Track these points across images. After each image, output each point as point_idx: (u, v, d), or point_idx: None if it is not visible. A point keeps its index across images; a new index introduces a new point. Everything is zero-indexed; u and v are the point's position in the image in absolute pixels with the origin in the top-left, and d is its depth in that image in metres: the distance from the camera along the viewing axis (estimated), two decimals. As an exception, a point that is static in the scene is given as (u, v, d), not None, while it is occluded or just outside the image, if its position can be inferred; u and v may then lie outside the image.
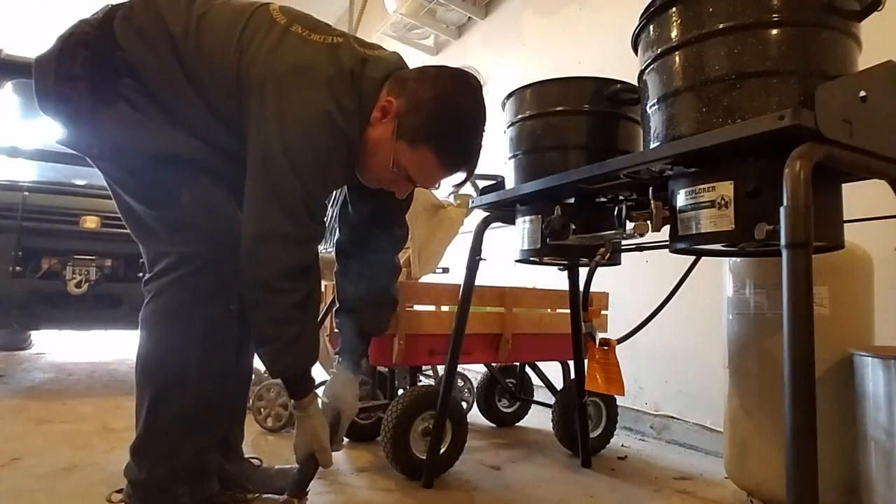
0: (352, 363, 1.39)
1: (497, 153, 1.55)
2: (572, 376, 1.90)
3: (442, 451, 1.61)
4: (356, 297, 1.40)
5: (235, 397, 1.33)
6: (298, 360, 1.16)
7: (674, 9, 1.04)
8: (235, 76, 1.08)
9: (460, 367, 1.89)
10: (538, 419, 2.43)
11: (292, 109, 1.06)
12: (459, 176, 1.22)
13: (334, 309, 1.44)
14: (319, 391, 1.33)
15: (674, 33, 1.04)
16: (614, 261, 1.47)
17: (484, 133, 1.20)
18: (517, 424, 2.41)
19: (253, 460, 1.40)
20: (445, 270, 2.44)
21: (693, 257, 1.43)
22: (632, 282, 2.27)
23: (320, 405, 1.28)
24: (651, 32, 1.10)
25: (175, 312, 1.08)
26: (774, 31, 0.94)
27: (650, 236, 1.19)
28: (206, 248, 1.07)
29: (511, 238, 1.51)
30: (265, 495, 1.33)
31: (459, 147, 1.18)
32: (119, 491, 1.14)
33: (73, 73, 1.04)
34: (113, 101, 1.06)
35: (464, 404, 2.39)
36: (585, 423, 1.84)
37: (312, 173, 1.09)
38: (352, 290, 1.41)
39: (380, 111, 1.14)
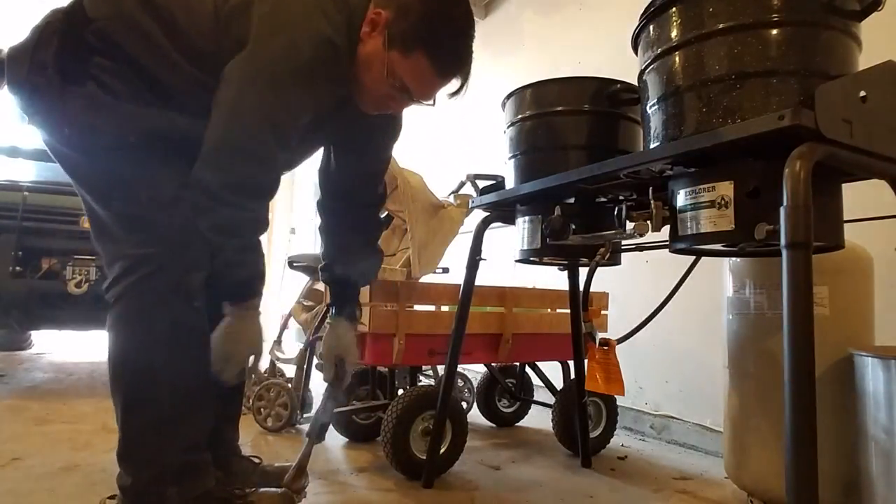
0: (346, 312, 1.39)
1: (497, 153, 1.55)
2: (572, 376, 1.90)
3: (442, 451, 1.61)
4: (342, 250, 1.40)
5: (227, 395, 1.31)
6: (248, 268, 1.11)
7: (674, 9, 1.04)
8: (213, 11, 1.08)
9: (460, 367, 1.89)
10: (538, 419, 2.43)
11: (276, 20, 1.05)
12: (455, 83, 1.19)
13: (320, 266, 1.44)
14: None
15: (674, 33, 1.04)
16: (614, 261, 1.47)
17: (474, 38, 1.18)
18: (517, 424, 2.41)
19: (252, 458, 1.40)
20: (445, 270, 2.44)
21: (693, 257, 1.43)
22: (632, 282, 2.27)
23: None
24: (651, 32, 1.10)
25: (137, 316, 1.05)
26: (774, 31, 0.94)
27: (650, 236, 1.19)
28: (160, 249, 1.05)
29: (511, 238, 1.51)
30: (262, 489, 1.34)
31: (452, 49, 1.15)
32: (112, 497, 1.14)
33: (44, 61, 1.04)
34: (82, 81, 1.05)
35: (464, 404, 2.39)
36: (585, 423, 1.84)
37: (293, 85, 1.05)
38: (337, 242, 1.41)
39: (369, 25, 1.13)
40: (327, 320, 1.44)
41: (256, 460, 1.40)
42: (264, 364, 2.40)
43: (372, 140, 1.36)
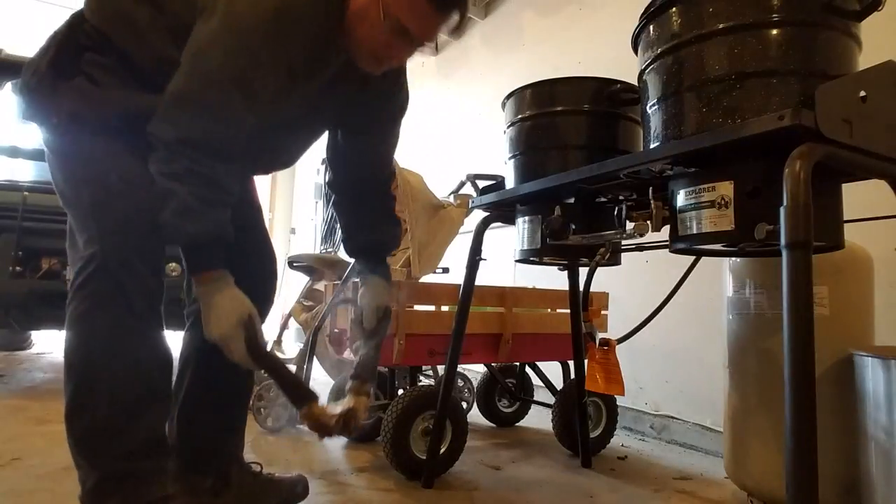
0: (380, 272, 1.37)
1: (497, 153, 1.55)
2: (572, 376, 1.90)
3: (442, 451, 1.61)
4: (362, 221, 1.39)
5: (225, 404, 1.30)
6: (204, 221, 0.98)
7: (674, 9, 1.04)
8: None
9: (460, 367, 1.89)
10: (538, 419, 2.43)
11: None
12: (454, 17, 1.15)
13: (342, 237, 1.44)
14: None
15: (674, 33, 1.04)
16: (614, 261, 1.47)
17: None
18: (517, 424, 2.41)
19: (253, 466, 1.38)
20: (445, 270, 2.44)
21: (693, 257, 1.43)
22: (632, 282, 2.27)
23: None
24: (651, 32, 1.10)
25: (77, 321, 1.03)
26: (774, 31, 0.94)
27: (650, 236, 1.19)
28: (97, 249, 1.02)
29: (511, 238, 1.51)
30: None
31: None
32: None
33: (40, 65, 1.08)
34: (71, 75, 1.07)
35: (464, 404, 2.39)
36: (585, 423, 1.84)
37: (261, 38, 1.00)
38: (355, 215, 1.40)
39: None
40: (358, 284, 1.40)
41: (257, 468, 1.38)
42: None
43: (377, 119, 1.33)
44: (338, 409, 1.10)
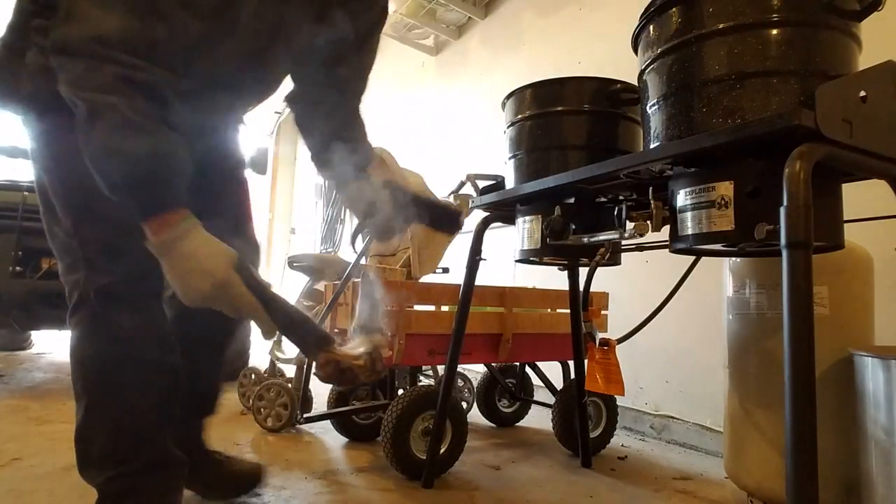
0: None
1: (497, 153, 1.55)
2: (572, 376, 1.90)
3: (442, 451, 1.61)
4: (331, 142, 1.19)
5: (199, 394, 1.27)
6: (154, 139, 0.75)
7: (674, 9, 1.04)
8: None
9: (460, 367, 1.89)
10: (538, 419, 2.43)
11: None
12: None
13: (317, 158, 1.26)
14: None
15: (674, 33, 1.04)
16: (614, 261, 1.47)
17: None
18: (517, 424, 2.41)
19: (216, 454, 1.35)
20: (445, 270, 2.44)
21: (693, 257, 1.43)
22: (632, 282, 2.27)
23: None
24: (651, 32, 1.10)
25: (72, 350, 1.05)
26: (774, 31, 0.94)
27: (650, 236, 1.19)
28: (82, 276, 0.99)
29: (511, 238, 1.51)
30: None
31: None
32: None
33: None
34: (22, 51, 0.95)
35: (464, 404, 2.39)
36: (585, 423, 1.84)
37: None
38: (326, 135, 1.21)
39: None
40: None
41: (219, 456, 1.36)
42: (262, 363, 2.40)
43: (352, 32, 1.10)
44: (360, 349, 0.95)
